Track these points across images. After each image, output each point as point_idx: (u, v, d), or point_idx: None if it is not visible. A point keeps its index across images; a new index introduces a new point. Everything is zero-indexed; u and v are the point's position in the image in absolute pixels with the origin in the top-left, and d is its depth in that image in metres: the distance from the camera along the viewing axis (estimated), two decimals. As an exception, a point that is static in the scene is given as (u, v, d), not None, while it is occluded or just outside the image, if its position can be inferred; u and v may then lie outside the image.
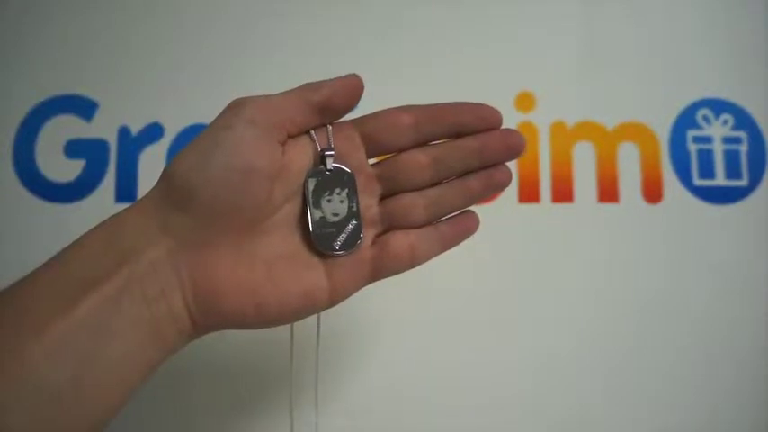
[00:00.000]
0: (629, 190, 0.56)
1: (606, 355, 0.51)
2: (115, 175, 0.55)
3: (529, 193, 0.56)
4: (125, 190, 0.55)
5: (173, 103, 0.56)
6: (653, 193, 0.57)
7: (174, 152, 0.55)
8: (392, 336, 0.51)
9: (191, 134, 0.55)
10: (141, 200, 0.32)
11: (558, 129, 0.57)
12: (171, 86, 0.57)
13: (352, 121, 0.35)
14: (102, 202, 0.55)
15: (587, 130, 0.57)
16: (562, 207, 0.56)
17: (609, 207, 0.56)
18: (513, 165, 0.36)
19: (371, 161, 0.36)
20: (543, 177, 0.56)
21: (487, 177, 0.35)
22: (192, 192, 0.30)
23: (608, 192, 0.56)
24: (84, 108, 0.57)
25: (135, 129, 0.57)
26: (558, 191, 0.57)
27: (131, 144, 0.56)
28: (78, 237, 0.30)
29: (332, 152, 0.34)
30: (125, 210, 0.31)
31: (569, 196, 0.57)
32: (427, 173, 0.35)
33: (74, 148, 0.56)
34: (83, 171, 0.56)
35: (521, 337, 0.51)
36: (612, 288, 0.54)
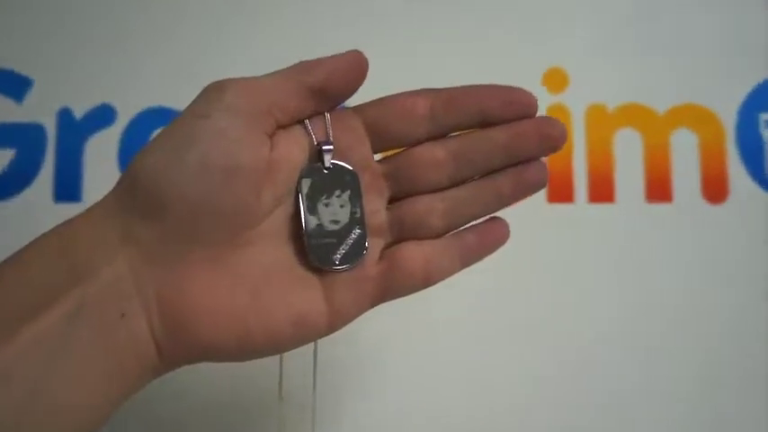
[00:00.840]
0: (686, 187, 0.57)
1: (659, 382, 0.54)
2: (54, 167, 0.56)
3: (560, 192, 0.57)
4: (66, 187, 0.56)
5: (127, 80, 0.56)
6: (715, 190, 0.57)
7: (128, 140, 0.56)
8: (401, 362, 0.52)
9: (149, 119, 0.56)
10: (98, 205, 0.32)
11: (595, 113, 0.58)
12: (125, 60, 0.57)
13: (355, 109, 0.36)
14: (36, 202, 0.55)
15: (632, 114, 0.58)
16: (601, 208, 0.57)
17: (659, 208, 0.57)
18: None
19: (378, 157, 0.37)
20: (578, 172, 0.57)
21: (519, 176, 0.36)
22: (161, 195, 0.31)
23: (658, 189, 0.57)
24: (15, 86, 0.57)
25: (79, 111, 0.57)
26: (597, 188, 0.57)
27: (75, 130, 0.57)
28: (18, 249, 0.31)
29: (330, 146, 0.35)
30: (77, 217, 0.32)
31: (610, 195, 0.57)
32: (446, 171, 0.36)
33: (1, 135, 0.56)
34: (12, 163, 0.56)
35: (546, 362, 0.53)
36: (667, 305, 0.55)
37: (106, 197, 0.32)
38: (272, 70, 0.34)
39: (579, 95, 0.56)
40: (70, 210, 0.33)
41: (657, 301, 0.54)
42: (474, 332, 0.54)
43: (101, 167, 0.55)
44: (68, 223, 0.32)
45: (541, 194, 0.55)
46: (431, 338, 0.54)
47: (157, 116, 0.57)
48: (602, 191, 0.57)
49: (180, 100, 0.56)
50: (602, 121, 0.57)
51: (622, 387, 0.54)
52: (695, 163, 0.56)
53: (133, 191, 0.31)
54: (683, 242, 0.56)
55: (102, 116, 0.56)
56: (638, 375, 0.54)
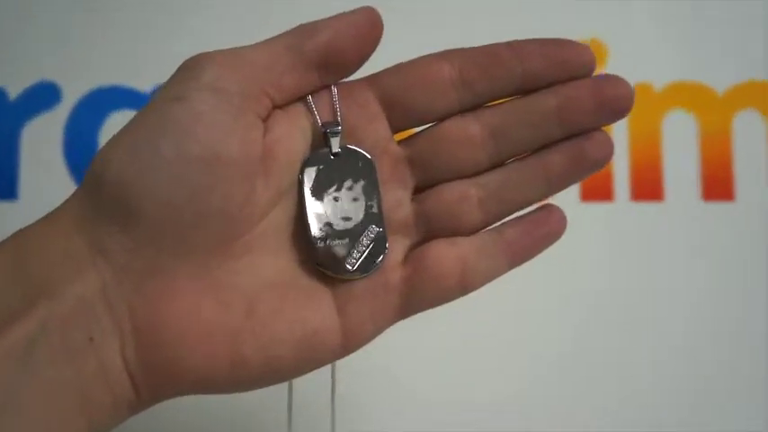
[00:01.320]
0: (751, 182, 0.56)
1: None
2: (-19, 158, 0.55)
3: (596, 188, 0.57)
4: (-1, 182, 0.55)
5: (74, 53, 0.56)
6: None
7: (76, 126, 0.55)
8: (430, 383, 0.53)
9: (102, 100, 0.55)
10: (59, 210, 0.32)
11: (641, 93, 0.58)
12: (71, 30, 0.56)
13: (368, 80, 0.36)
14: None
15: (685, 94, 0.58)
16: (647, 207, 0.57)
17: (719, 207, 0.57)
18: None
19: (398, 137, 0.37)
20: (619, 164, 0.56)
21: (574, 151, 0.36)
22: (132, 197, 0.31)
23: (718, 184, 0.57)
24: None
25: (14, 90, 0.56)
26: (641, 184, 0.57)
27: (8, 113, 0.56)
28: None
29: (339, 127, 0.35)
30: (34, 225, 0.32)
31: (658, 192, 0.57)
32: (482, 150, 0.36)
33: None
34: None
35: (590, 385, 0.54)
36: (732, 324, 0.55)
37: (69, 200, 0.32)
38: (260, 39, 0.34)
39: (620, 72, 0.54)
40: (3, 210, 0.32)
41: (720, 321, 0.55)
42: (505, 351, 0.55)
43: (41, 158, 0.55)
44: (23, 232, 0.32)
45: (573, 191, 0.55)
46: (460, 356, 0.55)
47: (112, 97, 0.58)
48: (647, 187, 0.56)
49: (141, 77, 0.56)
50: (649, 103, 0.57)
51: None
52: (762, 151, 0.56)
53: (98, 192, 0.31)
54: (749, 247, 0.56)
55: (44, 97, 0.56)
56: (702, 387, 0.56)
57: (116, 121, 0.55)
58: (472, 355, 0.55)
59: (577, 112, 0.35)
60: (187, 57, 0.33)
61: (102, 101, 0.56)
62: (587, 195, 0.56)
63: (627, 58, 0.56)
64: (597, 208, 0.55)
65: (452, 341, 0.54)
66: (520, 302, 0.53)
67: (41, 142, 0.55)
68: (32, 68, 0.56)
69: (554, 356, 0.55)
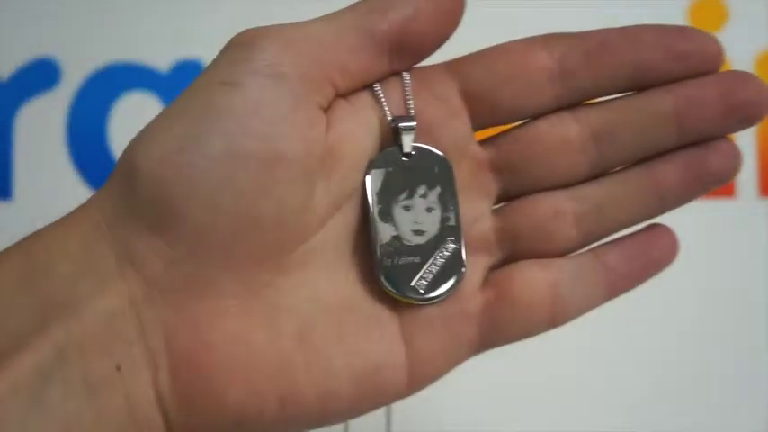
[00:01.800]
0: None
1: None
2: (-31, 149, 0.55)
3: None
4: (-12, 175, 0.55)
5: (76, 24, 0.56)
6: None
7: (80, 110, 0.55)
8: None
9: (111, 80, 0.55)
10: (80, 210, 0.33)
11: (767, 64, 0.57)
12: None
13: (447, 67, 0.36)
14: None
15: None
16: None
17: None
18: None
19: (477, 136, 0.37)
20: (745, 156, 0.57)
21: (693, 163, 0.35)
22: (174, 198, 0.31)
23: None
24: None
25: (5, 69, 0.56)
26: None
27: (1, 94, 0.56)
28: None
29: (413, 122, 0.35)
30: (48, 228, 0.32)
31: None
32: (581, 157, 0.36)
33: None
34: None
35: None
36: None
37: (93, 198, 0.32)
38: (307, 12, 0.34)
39: (743, 37, 0.54)
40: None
41: None
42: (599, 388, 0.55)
43: (39, 150, 0.54)
44: (36, 236, 0.32)
45: None
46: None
47: (122, 76, 0.58)
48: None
49: (158, 53, 0.55)
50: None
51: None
52: None
53: (132, 189, 0.31)
54: None
55: (42, 76, 0.55)
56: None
57: (128, 107, 0.55)
58: (553, 394, 0.55)
59: (700, 117, 0.35)
60: (217, 27, 0.33)
61: (110, 81, 0.56)
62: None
63: (751, 21, 0.56)
64: (718, 205, 0.55)
65: (530, 378, 0.54)
66: (617, 332, 0.54)
67: (39, 131, 0.54)
68: (26, 43, 0.56)
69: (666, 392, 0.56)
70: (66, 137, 0.55)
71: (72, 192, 0.34)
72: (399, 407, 0.36)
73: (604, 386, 0.59)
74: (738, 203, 0.56)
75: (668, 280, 0.56)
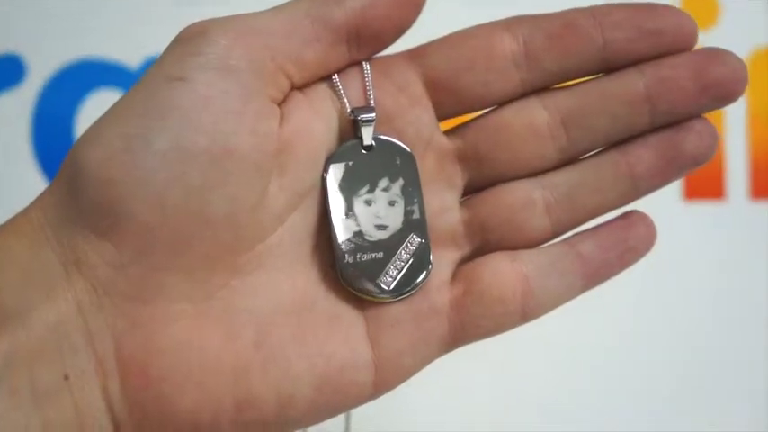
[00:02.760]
0: None
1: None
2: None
3: (704, 185, 0.57)
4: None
5: (42, 19, 0.55)
6: None
7: (46, 108, 0.54)
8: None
9: (79, 77, 0.55)
10: (25, 213, 0.32)
11: (762, 62, 0.56)
12: None
13: (408, 55, 0.36)
14: None
15: None
16: None
17: None
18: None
19: (443, 125, 0.36)
20: (732, 155, 0.56)
21: (668, 145, 0.35)
22: (121, 199, 0.31)
23: None
24: None
25: None
26: (762, 179, 0.56)
27: None
28: None
29: (372, 114, 0.34)
30: None
31: None
32: (551, 143, 0.35)
33: None
34: None
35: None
36: None
37: (36, 202, 0.32)
38: (275, 3, 0.34)
39: (736, 34, 0.54)
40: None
41: None
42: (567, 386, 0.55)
43: (4, 147, 0.54)
44: None
45: (675, 188, 0.54)
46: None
47: (91, 73, 0.57)
48: (770, 183, 0.54)
49: (128, 49, 0.54)
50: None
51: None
52: None
53: (77, 192, 0.31)
54: None
55: (5, 72, 0.55)
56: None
57: (97, 104, 0.55)
58: (527, 397, 0.55)
59: (673, 97, 0.34)
60: (186, 23, 0.33)
61: (78, 78, 0.56)
62: (693, 193, 0.56)
63: (744, 17, 0.55)
64: (705, 208, 0.55)
65: (502, 378, 0.54)
66: (596, 326, 0.54)
67: (3, 128, 0.54)
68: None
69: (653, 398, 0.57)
70: (32, 135, 0.54)
71: (37, 191, 0.34)
72: (360, 410, 0.36)
73: (591, 389, 0.60)
74: (728, 206, 0.56)
75: (658, 283, 0.55)
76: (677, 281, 0.56)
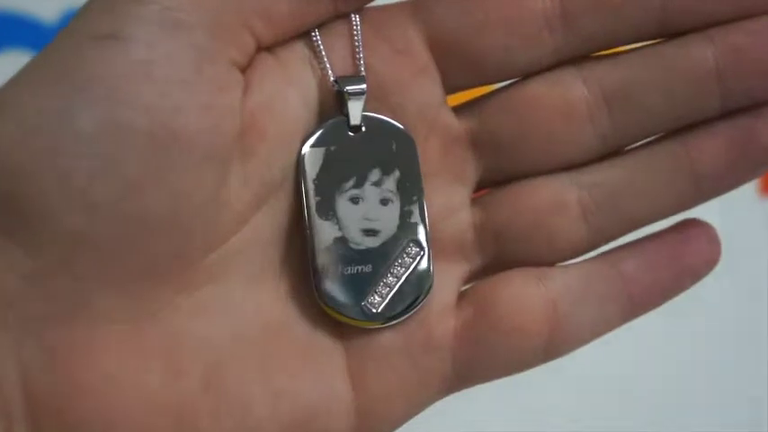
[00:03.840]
0: None
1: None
2: None
3: None
4: None
5: None
6: None
7: None
8: None
9: (6, 33, 0.54)
10: None
11: None
12: None
13: (411, 8, 0.34)
14: None
15: None
16: None
17: None
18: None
19: (451, 100, 0.35)
20: None
21: (742, 136, 0.33)
22: (32, 195, 0.29)
23: None
24: None
25: None
26: None
27: None
28: None
29: (363, 85, 0.33)
30: None
31: None
32: (590, 127, 0.34)
33: None
34: None
35: None
36: None
37: None
38: None
39: None
40: None
41: None
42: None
43: None
44: None
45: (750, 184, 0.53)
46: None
47: (1, 29, 0.57)
48: None
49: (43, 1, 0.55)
50: None
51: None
52: None
53: None
54: None
55: None
56: None
57: (5, 67, 0.52)
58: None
59: (750, 73, 0.32)
60: None
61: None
62: None
63: None
64: (713, 205, 0.51)
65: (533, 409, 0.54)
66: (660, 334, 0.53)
67: None
68: None
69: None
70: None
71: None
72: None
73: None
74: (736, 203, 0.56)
75: (729, 290, 0.53)
76: (749, 288, 0.57)
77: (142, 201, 0.29)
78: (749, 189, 0.55)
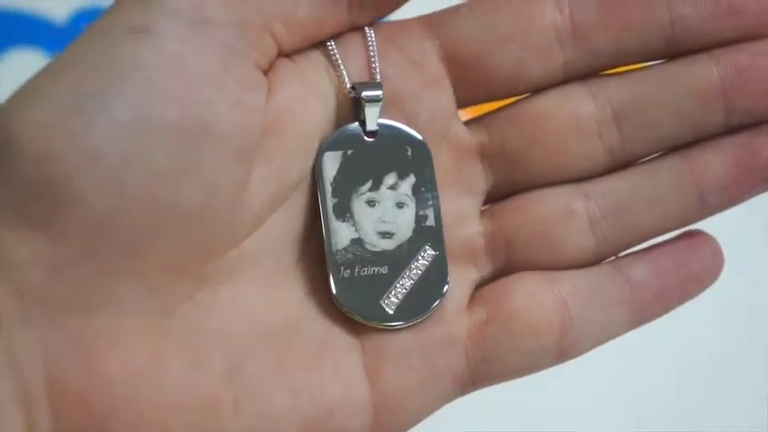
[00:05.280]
0: None
1: None
2: None
3: None
4: None
5: None
6: None
7: None
8: None
9: (18, 33, 0.53)
10: None
11: None
12: None
13: (425, 22, 0.34)
14: None
15: None
16: None
17: None
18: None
19: (463, 114, 0.35)
20: None
21: (746, 152, 0.34)
22: (62, 182, 0.28)
23: None
24: None
25: None
26: None
27: None
28: None
29: (379, 92, 0.33)
30: None
31: None
32: (598, 142, 0.34)
33: None
34: None
35: None
36: None
37: None
38: None
39: None
40: None
41: None
42: None
43: None
44: None
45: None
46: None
47: (11, 28, 0.56)
48: None
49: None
50: None
51: None
52: None
53: (5, 172, 0.29)
54: None
55: None
56: None
57: (14, 67, 0.54)
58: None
59: (754, 92, 0.33)
60: None
61: (19, 35, 0.55)
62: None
63: None
64: None
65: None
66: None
67: None
68: None
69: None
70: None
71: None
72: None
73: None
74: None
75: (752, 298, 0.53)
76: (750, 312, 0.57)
77: (170, 191, 0.29)
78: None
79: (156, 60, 0.29)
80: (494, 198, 0.35)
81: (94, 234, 0.29)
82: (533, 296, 0.34)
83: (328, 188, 0.33)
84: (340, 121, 0.33)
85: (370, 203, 0.33)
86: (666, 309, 0.35)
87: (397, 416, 0.33)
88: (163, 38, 0.29)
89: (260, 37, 0.31)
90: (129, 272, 0.30)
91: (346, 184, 0.33)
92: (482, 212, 0.35)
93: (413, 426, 0.33)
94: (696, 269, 0.35)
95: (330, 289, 0.33)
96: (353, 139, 0.33)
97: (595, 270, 0.35)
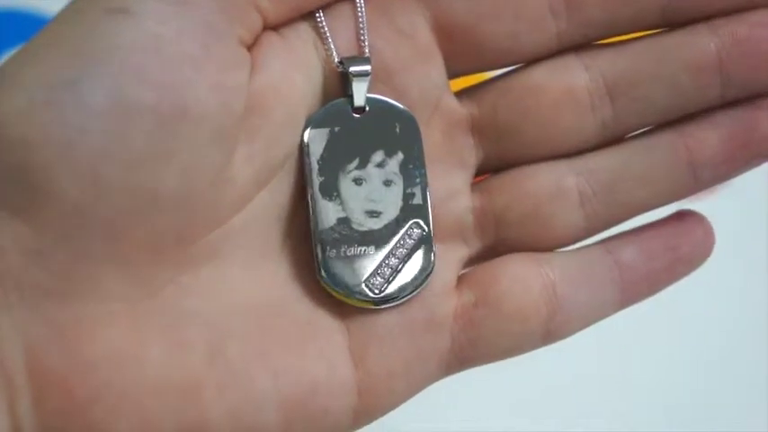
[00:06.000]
0: None
1: None
2: None
3: None
4: None
5: None
6: None
7: None
8: None
9: (18, 33, 0.54)
10: None
11: None
12: None
13: None
14: None
15: None
16: None
17: None
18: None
19: (454, 85, 0.35)
20: None
21: (741, 127, 0.34)
22: (40, 168, 0.29)
23: None
24: None
25: None
26: None
27: None
28: None
29: (367, 66, 0.33)
30: None
31: None
32: (591, 116, 0.34)
33: None
34: None
35: None
36: None
37: None
38: None
39: None
40: None
41: None
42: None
43: None
44: None
45: (764, 180, 0.53)
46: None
47: (13, 26, 0.57)
48: None
49: None
50: None
51: None
52: None
53: None
54: None
55: None
56: None
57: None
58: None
59: (752, 65, 0.33)
60: None
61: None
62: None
63: None
64: (717, 203, 0.52)
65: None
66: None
67: None
68: None
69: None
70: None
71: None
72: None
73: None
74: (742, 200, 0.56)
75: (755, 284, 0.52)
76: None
77: (148, 176, 0.29)
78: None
79: (134, 42, 0.29)
80: (483, 172, 0.35)
81: (73, 221, 0.29)
82: (522, 279, 0.34)
83: (315, 166, 0.33)
84: (328, 95, 0.33)
85: (357, 182, 0.33)
86: (655, 290, 0.35)
87: (381, 397, 0.33)
88: (142, 18, 0.29)
89: (244, 11, 0.31)
90: (109, 257, 0.30)
91: (333, 162, 0.33)
92: (472, 187, 0.35)
93: (397, 406, 0.33)
94: (686, 250, 0.35)
95: (315, 269, 0.33)
96: (341, 116, 0.33)
97: (584, 252, 0.35)
